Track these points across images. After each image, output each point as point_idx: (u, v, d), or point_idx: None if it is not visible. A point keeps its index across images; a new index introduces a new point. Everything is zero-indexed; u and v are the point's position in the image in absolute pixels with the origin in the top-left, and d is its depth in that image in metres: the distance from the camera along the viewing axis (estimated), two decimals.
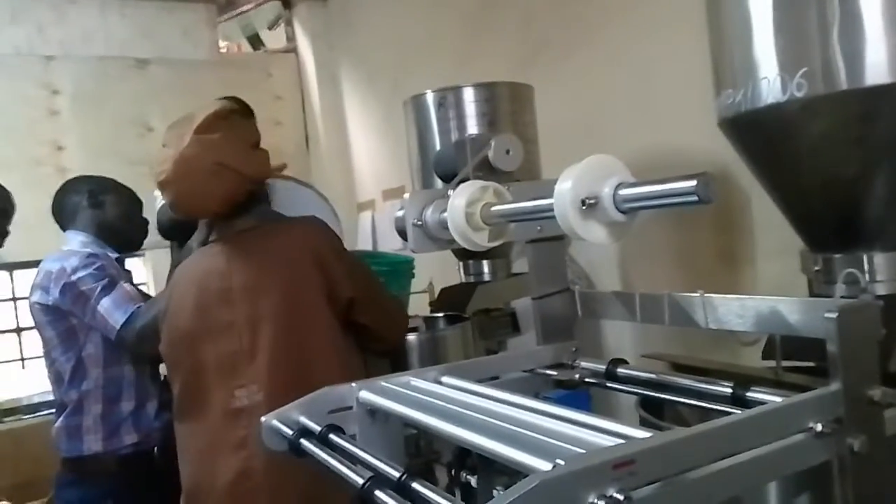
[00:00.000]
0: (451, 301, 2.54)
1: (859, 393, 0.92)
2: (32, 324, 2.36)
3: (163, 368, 2.26)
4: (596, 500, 0.72)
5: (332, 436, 1.05)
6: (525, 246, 1.40)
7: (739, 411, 0.97)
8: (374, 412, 1.18)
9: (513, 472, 0.82)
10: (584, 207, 0.89)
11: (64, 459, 2.28)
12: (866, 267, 1.28)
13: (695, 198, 0.78)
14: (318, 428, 1.09)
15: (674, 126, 2.38)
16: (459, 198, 1.13)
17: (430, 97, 2.39)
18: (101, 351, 2.24)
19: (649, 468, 0.78)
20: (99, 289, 2.19)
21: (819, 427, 0.89)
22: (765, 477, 0.94)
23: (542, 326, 1.41)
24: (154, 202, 2.34)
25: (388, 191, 4.16)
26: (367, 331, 1.89)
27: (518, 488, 0.70)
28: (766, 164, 1.45)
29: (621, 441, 0.82)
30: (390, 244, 3.30)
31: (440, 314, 2.53)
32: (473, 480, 1.16)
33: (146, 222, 2.50)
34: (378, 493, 0.86)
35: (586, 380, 1.28)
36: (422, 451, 1.89)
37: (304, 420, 1.14)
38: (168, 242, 2.43)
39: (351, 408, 1.20)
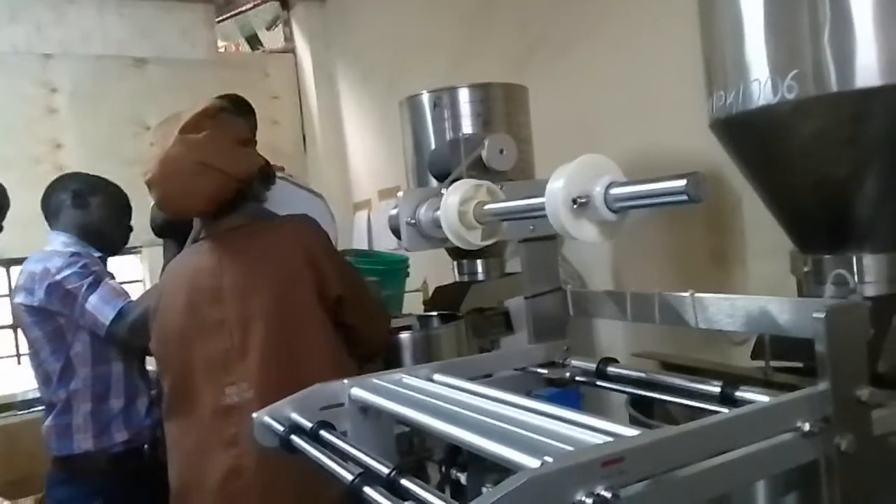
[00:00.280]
0: (445, 300, 2.55)
1: (847, 393, 0.92)
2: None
3: (150, 365, 2.27)
4: (584, 498, 0.73)
5: (322, 432, 1.06)
6: (518, 245, 1.40)
7: (728, 410, 0.98)
8: (365, 409, 1.18)
9: (503, 470, 0.82)
10: (575, 206, 0.90)
11: (55, 458, 2.28)
12: (856, 268, 1.28)
13: (684, 197, 0.79)
14: (309, 424, 1.09)
15: (669, 125, 2.39)
16: (453, 196, 1.14)
17: (425, 98, 2.40)
18: (88, 349, 2.24)
19: (638, 466, 0.78)
20: (85, 286, 2.19)
21: (807, 426, 0.90)
22: (753, 475, 0.94)
23: (534, 325, 1.42)
24: (149, 201, 2.35)
25: (384, 190, 4.17)
26: (352, 332, 1.89)
27: (506, 485, 0.71)
28: (757, 166, 1.45)
29: (610, 439, 0.82)
30: (386, 244, 3.30)
31: (434, 313, 2.54)
32: (464, 478, 1.17)
33: (129, 227, 2.50)
34: (367, 489, 0.87)
35: (577, 378, 1.28)
36: (414, 449, 1.89)
37: (295, 416, 1.14)
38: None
39: (343, 404, 1.20)
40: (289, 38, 4.89)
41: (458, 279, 2.59)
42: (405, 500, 0.83)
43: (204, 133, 1.77)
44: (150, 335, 1.95)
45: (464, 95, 2.36)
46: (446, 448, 1.21)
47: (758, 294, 1.13)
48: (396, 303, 2.83)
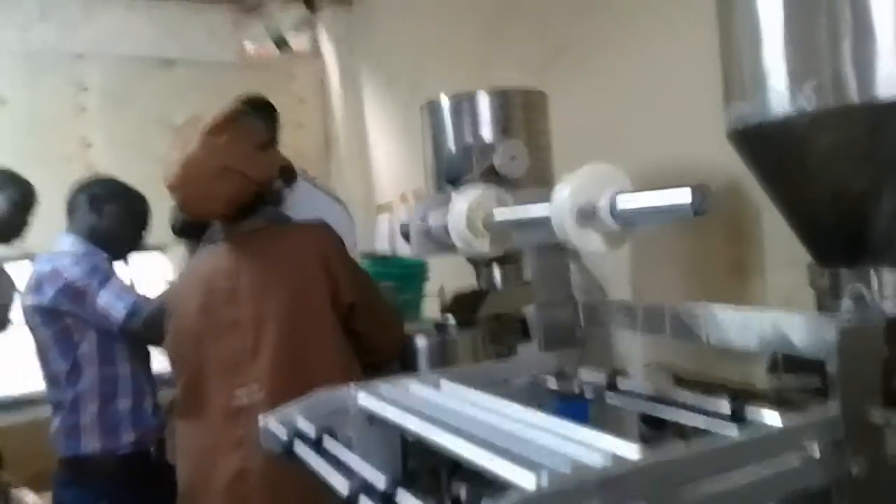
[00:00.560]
0: (463, 306, 2.54)
1: (859, 415, 0.90)
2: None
3: (156, 366, 2.29)
4: None
5: (325, 440, 1.05)
6: (529, 253, 1.39)
7: (737, 429, 0.96)
8: (372, 415, 1.18)
9: (503, 486, 0.81)
10: (580, 216, 0.88)
11: (61, 459, 2.31)
12: (874, 283, 1.25)
13: (690, 210, 0.77)
14: (313, 431, 1.09)
15: (690, 133, 2.35)
16: (461, 202, 1.13)
17: (444, 102, 2.40)
18: (95, 349, 2.27)
19: (638, 487, 0.77)
20: (95, 283, 2.22)
21: (816, 449, 0.87)
22: (758, 500, 0.92)
23: (545, 334, 1.41)
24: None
25: (405, 193, 4.16)
26: (362, 339, 1.89)
27: None
28: (775, 178, 1.42)
29: (610, 458, 0.81)
30: (406, 247, 3.30)
31: (450, 319, 2.52)
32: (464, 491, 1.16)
33: (139, 237, 2.53)
34: (362, 502, 0.86)
35: (584, 391, 1.26)
36: (427, 455, 1.88)
37: (301, 422, 1.14)
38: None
39: (350, 410, 1.20)
40: (315, 41, 4.91)
41: (476, 285, 2.57)
42: None
43: (225, 137, 1.79)
44: (165, 331, 1.96)
45: (483, 101, 2.35)
46: (448, 460, 1.20)
47: (776, 306, 1.10)
48: (415, 307, 2.82)
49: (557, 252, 1.33)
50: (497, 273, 2.52)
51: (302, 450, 1.05)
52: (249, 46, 4.84)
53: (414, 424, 1.01)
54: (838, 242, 1.35)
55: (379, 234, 4.45)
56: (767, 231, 2.13)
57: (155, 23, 4.44)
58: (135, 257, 2.59)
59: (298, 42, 4.98)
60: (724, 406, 1.06)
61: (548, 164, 2.39)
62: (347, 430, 1.18)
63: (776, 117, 1.29)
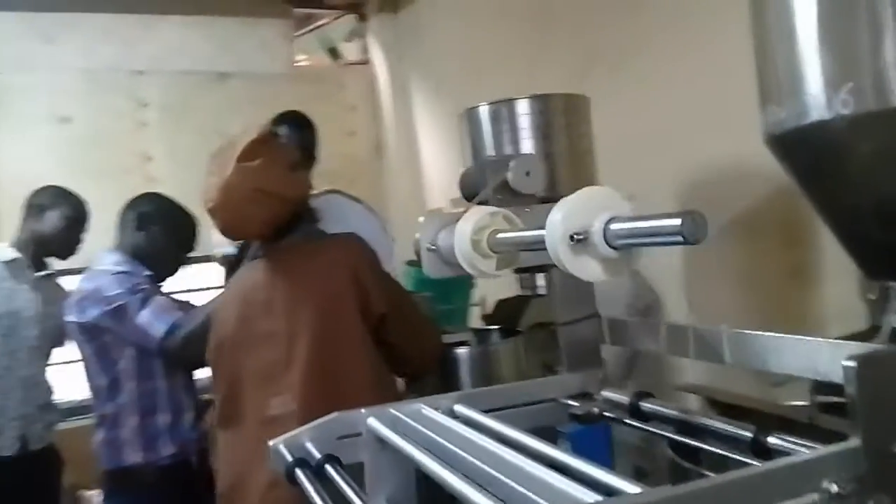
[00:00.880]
0: (505, 314, 2.49)
1: (883, 449, 0.82)
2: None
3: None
4: None
5: (328, 467, 1.04)
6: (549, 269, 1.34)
7: (758, 461, 0.90)
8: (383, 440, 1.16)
9: None
10: (573, 242, 0.84)
11: (105, 472, 2.36)
12: None
13: (680, 237, 0.72)
14: (318, 456, 1.08)
15: (736, 136, 2.24)
16: (465, 224, 1.09)
17: (483, 110, 2.36)
18: (133, 365, 2.31)
19: None
20: (136, 302, 2.26)
21: (835, 487, 0.80)
22: None
23: (568, 353, 1.35)
24: None
25: (455, 200, 4.12)
26: (395, 350, 1.88)
27: None
28: (815, 185, 1.34)
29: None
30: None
31: (493, 327, 2.48)
32: None
33: (183, 258, 2.55)
34: None
35: (605, 414, 1.21)
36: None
37: (309, 446, 1.13)
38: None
39: (361, 434, 1.18)
40: (365, 50, 4.95)
41: (520, 292, 2.52)
42: None
43: (258, 161, 1.82)
44: (206, 348, 2.00)
45: (522, 107, 2.30)
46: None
47: (832, 317, 1.03)
48: (461, 316, 2.78)
49: None
50: (540, 280, 2.46)
51: (301, 478, 1.04)
52: (302, 58, 4.91)
53: (419, 456, 0.97)
54: (883, 254, 1.26)
55: None
56: (826, 234, 2.03)
57: (210, 38, 4.55)
58: (182, 272, 2.64)
59: (349, 51, 5.03)
60: (747, 435, 1.00)
61: (591, 168, 2.32)
62: (359, 453, 1.16)
63: (812, 122, 1.22)
